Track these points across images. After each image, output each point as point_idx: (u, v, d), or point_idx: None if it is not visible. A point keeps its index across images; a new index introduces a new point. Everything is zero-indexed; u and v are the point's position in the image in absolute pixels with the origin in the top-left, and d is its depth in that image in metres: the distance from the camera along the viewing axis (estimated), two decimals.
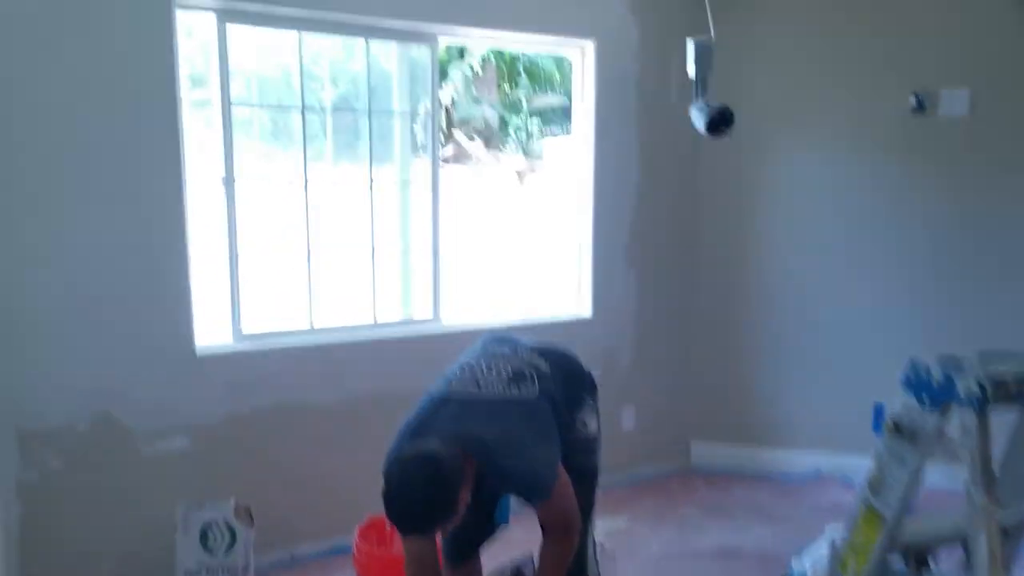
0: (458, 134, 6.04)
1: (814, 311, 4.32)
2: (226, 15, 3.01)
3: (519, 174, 5.76)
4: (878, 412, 4.23)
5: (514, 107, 6.19)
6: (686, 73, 3.50)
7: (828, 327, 4.30)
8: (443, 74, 5.70)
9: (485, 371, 2.22)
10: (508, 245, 5.09)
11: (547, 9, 3.75)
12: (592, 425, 2.51)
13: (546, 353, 2.41)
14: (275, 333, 3.32)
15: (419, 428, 2.09)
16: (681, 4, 4.13)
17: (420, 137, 3.73)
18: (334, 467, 3.41)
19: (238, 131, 3.19)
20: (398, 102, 3.58)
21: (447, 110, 5.95)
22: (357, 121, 3.65)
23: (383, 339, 3.55)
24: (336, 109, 4.30)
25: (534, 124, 6.34)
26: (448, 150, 6.11)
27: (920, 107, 3.98)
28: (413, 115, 3.67)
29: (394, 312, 3.71)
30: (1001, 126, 3.94)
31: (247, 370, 3.19)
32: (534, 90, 6.29)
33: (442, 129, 5.63)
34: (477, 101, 6.08)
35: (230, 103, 3.07)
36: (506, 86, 6.33)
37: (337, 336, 3.45)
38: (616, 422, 4.29)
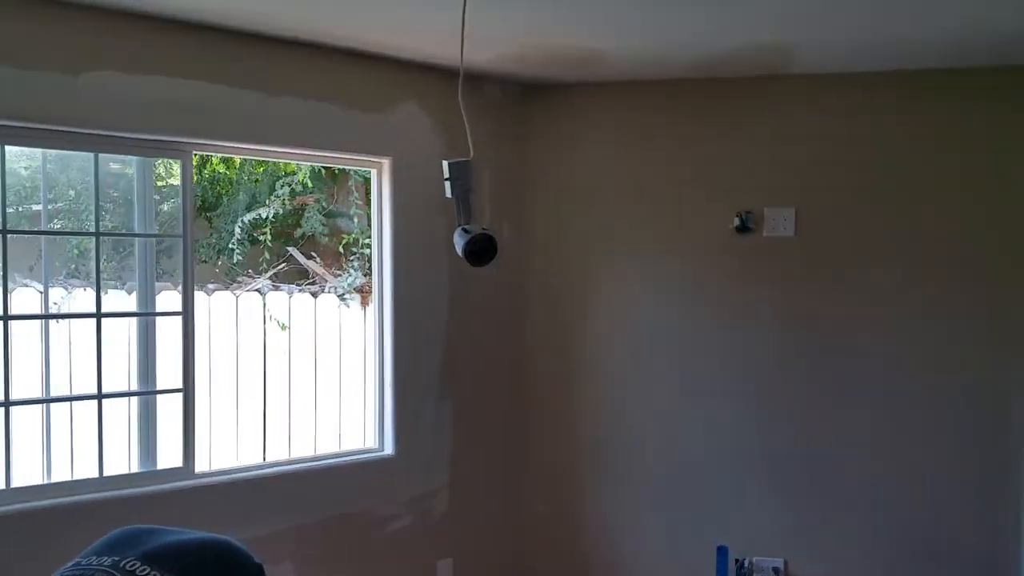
0: (295, 251, 5.62)
1: (652, 442, 3.91)
2: None
3: (362, 294, 5.34)
4: (723, 554, 3.82)
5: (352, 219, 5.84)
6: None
7: (668, 459, 3.89)
8: (271, 187, 5.35)
9: None
10: (327, 375, 4.66)
11: (330, 125, 3.40)
12: None
13: (175, 557, 1.85)
14: None
15: None
16: (494, 126, 3.90)
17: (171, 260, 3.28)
18: None
19: None
20: (142, 221, 3.13)
21: (278, 223, 5.56)
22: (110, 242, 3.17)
23: (112, 497, 2.97)
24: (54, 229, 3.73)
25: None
26: (280, 269, 5.67)
27: (744, 227, 3.74)
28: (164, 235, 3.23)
29: (131, 463, 3.15)
30: (824, 244, 3.70)
31: None
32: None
33: (268, 245, 5.23)
34: (331, 215, 5.68)
35: None
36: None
37: (43, 498, 2.85)
38: None
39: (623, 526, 3.94)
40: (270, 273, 5.49)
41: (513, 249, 4.01)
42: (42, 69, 2.73)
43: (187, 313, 3.14)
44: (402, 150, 3.64)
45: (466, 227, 2.64)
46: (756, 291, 3.79)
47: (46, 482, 2.93)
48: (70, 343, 3.71)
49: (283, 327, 5.05)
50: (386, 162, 3.63)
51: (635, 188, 3.93)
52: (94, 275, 3.00)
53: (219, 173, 6.34)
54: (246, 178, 5.88)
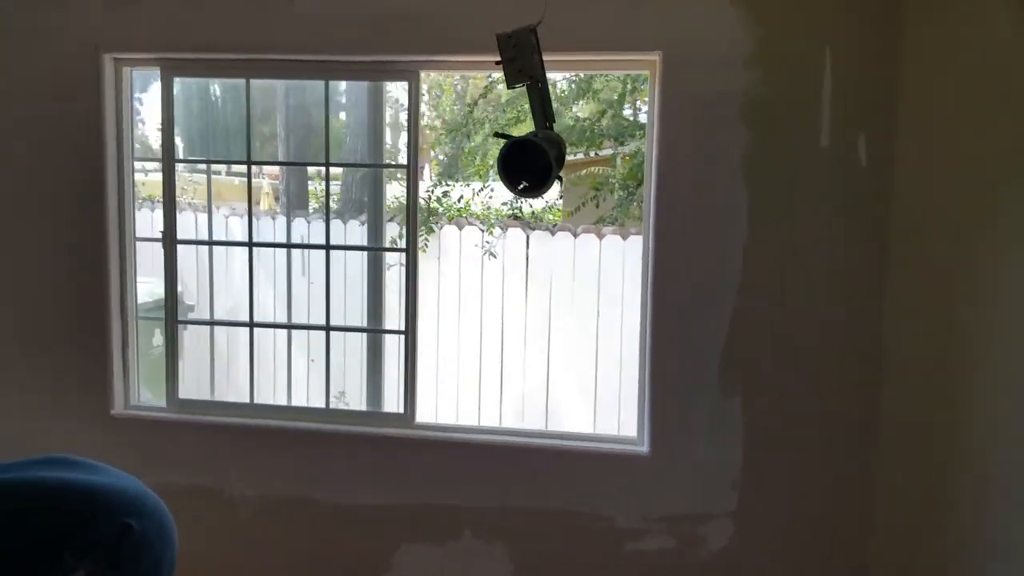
0: None
1: None
2: (171, 67, 2.93)
3: None
4: None
5: None
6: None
7: None
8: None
9: None
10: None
11: (573, 18, 2.64)
12: None
13: (6, 491, 1.63)
14: (214, 403, 3.06)
15: None
16: None
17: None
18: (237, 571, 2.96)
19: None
20: (373, 150, 2.98)
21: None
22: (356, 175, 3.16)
23: (334, 432, 2.96)
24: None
25: None
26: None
27: None
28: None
29: (361, 402, 3.08)
30: None
31: (166, 440, 3.01)
32: None
33: None
34: None
35: (173, 158, 2.97)
36: None
37: (279, 418, 3.00)
38: None
39: None
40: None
41: (870, 176, 2.59)
42: None
43: (410, 249, 2.89)
44: (678, 40, 2.64)
45: (514, 136, 1.71)
46: None
47: (285, 404, 3.08)
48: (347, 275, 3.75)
49: None
50: (656, 58, 2.69)
51: None
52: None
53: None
54: None
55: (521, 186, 1.77)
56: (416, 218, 2.88)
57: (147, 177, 4.49)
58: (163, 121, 2.97)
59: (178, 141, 5.60)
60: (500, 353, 4.83)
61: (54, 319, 3.01)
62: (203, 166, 3.85)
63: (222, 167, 5.30)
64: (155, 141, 6.45)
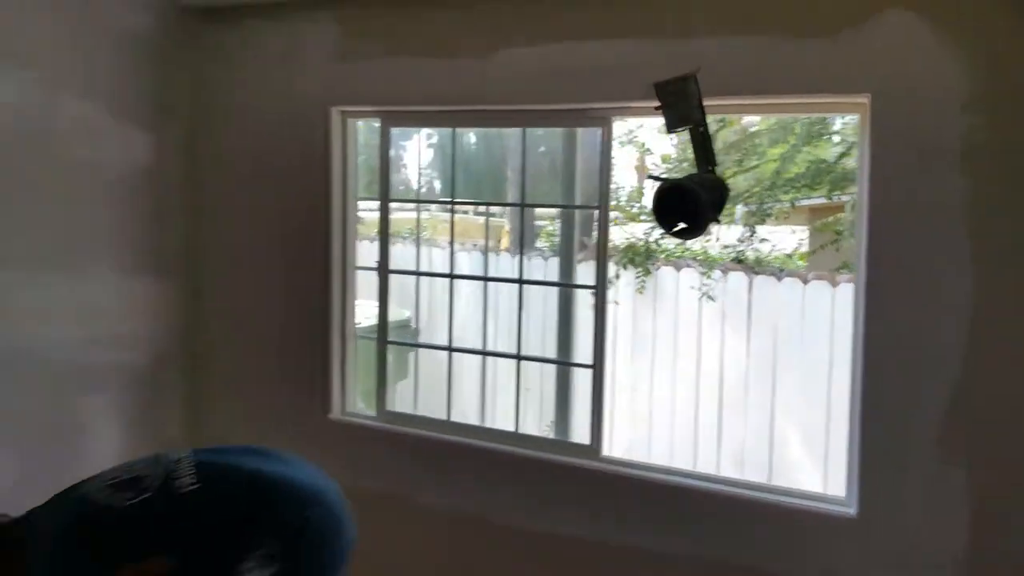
0: None
1: None
2: (389, 119, 3.22)
3: None
4: None
5: None
6: None
7: None
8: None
9: (112, 468, 1.92)
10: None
11: (769, 61, 2.52)
12: None
13: (213, 471, 1.87)
14: (416, 417, 3.27)
15: None
16: None
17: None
18: None
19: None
20: (566, 192, 3.04)
21: None
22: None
23: (522, 456, 3.02)
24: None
25: None
26: None
27: None
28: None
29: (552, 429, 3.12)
30: None
31: (371, 446, 3.26)
32: None
33: None
34: None
35: (388, 199, 3.25)
36: None
37: (471, 437, 3.13)
38: None
39: None
40: None
41: None
42: (457, 56, 2.99)
43: (600, 288, 2.90)
44: (888, 81, 2.42)
45: (668, 179, 1.63)
46: None
47: (479, 424, 3.22)
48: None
49: None
50: (865, 100, 2.48)
51: None
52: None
53: None
54: None
55: (677, 227, 1.73)
56: (606, 258, 2.89)
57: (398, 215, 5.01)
58: (381, 166, 3.27)
59: (437, 184, 6.23)
60: (719, 399, 4.65)
61: (289, 335, 3.42)
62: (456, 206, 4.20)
63: (469, 207, 5.79)
64: (414, 183, 7.21)
